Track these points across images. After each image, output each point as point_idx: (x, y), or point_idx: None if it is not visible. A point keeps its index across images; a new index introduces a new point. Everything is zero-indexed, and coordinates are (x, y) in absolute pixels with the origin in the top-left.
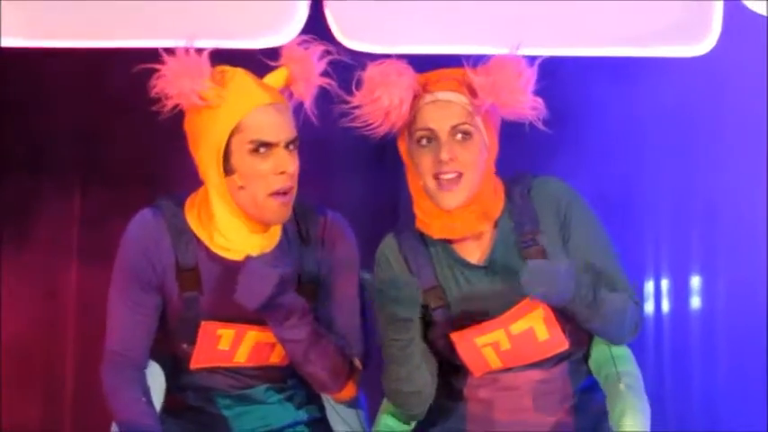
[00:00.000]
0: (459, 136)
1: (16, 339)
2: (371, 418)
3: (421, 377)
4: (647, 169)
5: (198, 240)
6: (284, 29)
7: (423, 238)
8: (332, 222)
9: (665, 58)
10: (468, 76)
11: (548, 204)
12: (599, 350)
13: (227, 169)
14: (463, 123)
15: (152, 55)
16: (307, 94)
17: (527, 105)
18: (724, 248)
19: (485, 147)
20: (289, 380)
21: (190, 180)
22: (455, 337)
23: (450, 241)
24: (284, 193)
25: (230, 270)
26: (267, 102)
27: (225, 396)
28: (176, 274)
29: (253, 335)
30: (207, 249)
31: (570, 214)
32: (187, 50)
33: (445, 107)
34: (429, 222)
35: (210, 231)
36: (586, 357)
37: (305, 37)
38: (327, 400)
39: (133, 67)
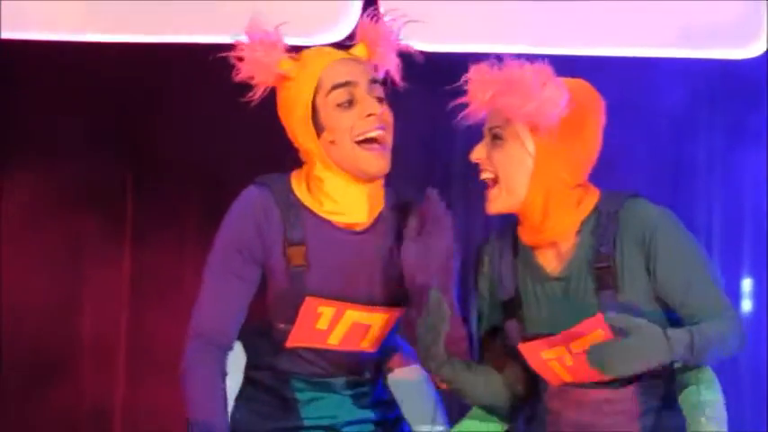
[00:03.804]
0: (493, 139)
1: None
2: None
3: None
4: (698, 172)
5: (307, 213)
6: (338, 26)
7: (515, 243)
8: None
9: (717, 60)
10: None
11: (632, 229)
12: (684, 373)
13: (318, 130)
14: (496, 127)
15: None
16: (388, 62)
17: (545, 109)
18: None
19: (528, 155)
20: (367, 372)
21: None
22: (523, 348)
23: (534, 248)
24: (375, 141)
25: (338, 243)
26: (343, 56)
27: (302, 380)
28: (283, 249)
29: (351, 314)
30: (316, 220)
31: (656, 243)
32: (257, 29)
33: (494, 110)
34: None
35: (320, 199)
36: (663, 377)
37: (372, 10)
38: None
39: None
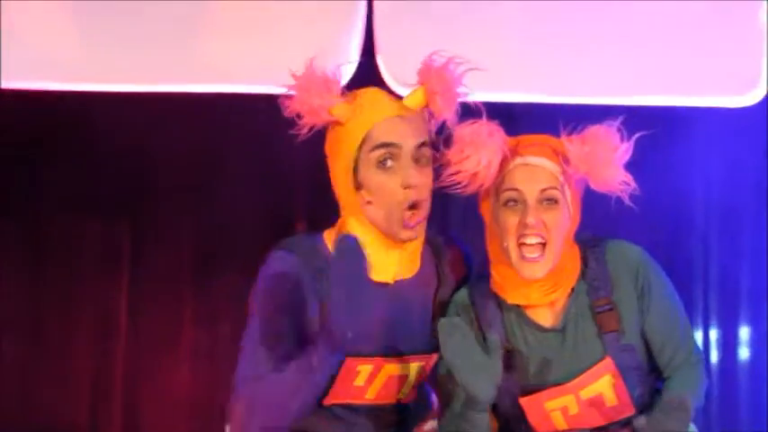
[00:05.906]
0: (546, 202)
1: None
2: None
3: None
4: (695, 220)
5: None
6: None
7: (497, 298)
8: (464, 257)
9: (714, 108)
10: (562, 144)
11: (624, 270)
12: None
13: (357, 184)
14: (552, 189)
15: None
16: (445, 109)
17: (618, 179)
18: None
19: (568, 216)
20: (396, 425)
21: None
22: (524, 402)
23: (524, 306)
24: (413, 208)
25: (373, 299)
26: (395, 113)
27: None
28: (321, 313)
29: (388, 368)
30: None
31: (648, 285)
32: (315, 69)
33: (536, 171)
34: (505, 287)
35: None
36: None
37: (439, 54)
38: None
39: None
